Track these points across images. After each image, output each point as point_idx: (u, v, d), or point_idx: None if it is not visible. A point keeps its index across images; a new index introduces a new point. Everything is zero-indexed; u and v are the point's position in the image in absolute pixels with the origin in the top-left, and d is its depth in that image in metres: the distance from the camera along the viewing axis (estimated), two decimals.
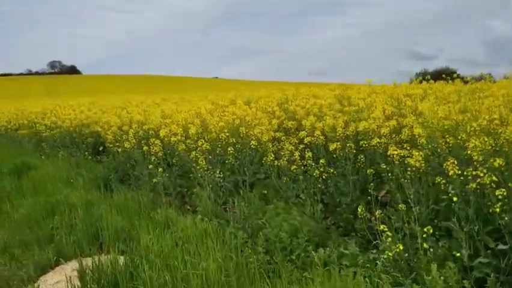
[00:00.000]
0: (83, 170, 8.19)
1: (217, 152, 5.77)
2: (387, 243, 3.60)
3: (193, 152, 5.82)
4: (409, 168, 4.13)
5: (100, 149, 10.63)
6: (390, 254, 3.50)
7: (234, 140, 5.81)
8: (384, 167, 4.57)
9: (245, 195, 5.78)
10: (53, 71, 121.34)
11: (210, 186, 5.71)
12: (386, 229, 3.68)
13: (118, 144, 8.97)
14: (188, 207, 6.63)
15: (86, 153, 9.95)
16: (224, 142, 5.86)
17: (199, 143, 5.75)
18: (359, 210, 4.00)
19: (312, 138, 5.70)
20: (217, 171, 5.68)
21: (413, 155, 4.09)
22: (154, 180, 6.64)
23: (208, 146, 5.79)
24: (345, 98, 7.07)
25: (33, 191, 7.06)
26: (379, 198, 5.34)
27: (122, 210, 5.65)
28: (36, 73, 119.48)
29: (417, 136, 4.48)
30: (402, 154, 4.32)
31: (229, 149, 5.67)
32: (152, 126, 8.08)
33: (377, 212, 4.09)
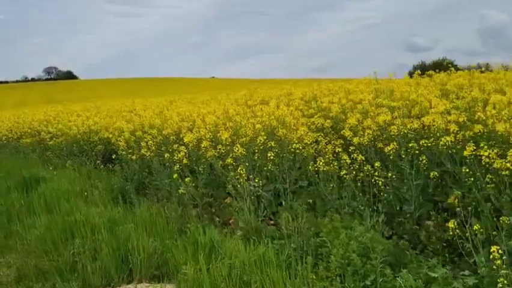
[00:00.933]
0: (97, 182, 7.48)
1: (255, 157, 5.06)
2: (495, 267, 2.90)
3: (229, 159, 5.12)
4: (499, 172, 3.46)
5: (112, 157, 9.96)
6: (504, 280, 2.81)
7: (272, 143, 5.11)
8: (466, 170, 3.87)
9: (287, 205, 5.09)
10: (49, 77, 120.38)
11: (250, 197, 5.01)
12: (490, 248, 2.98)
13: (131, 151, 8.30)
14: (217, 218, 5.95)
15: (98, 161, 9.24)
16: (261, 146, 5.16)
17: (236, 149, 5.04)
18: (450, 224, 3.29)
19: (361, 139, 5.01)
20: (256, 180, 4.98)
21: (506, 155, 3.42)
22: (180, 190, 5.94)
23: (244, 152, 5.09)
24: (385, 92, 6.37)
25: (46, 207, 6.34)
26: (444, 205, 4.68)
27: (151, 229, 4.96)
28: (33, 80, 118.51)
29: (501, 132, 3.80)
30: (487, 154, 3.64)
31: (268, 154, 4.97)
32: (170, 130, 7.37)
33: (451, 222, 3.40)
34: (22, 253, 5.26)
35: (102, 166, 8.95)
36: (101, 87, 79.47)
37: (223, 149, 5.58)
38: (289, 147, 5.09)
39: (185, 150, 6.05)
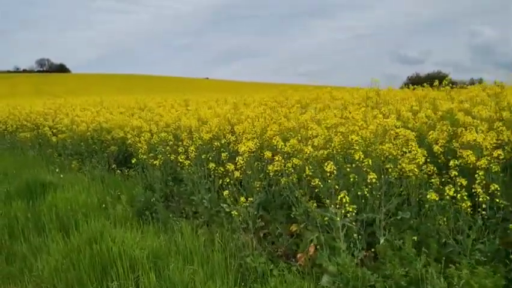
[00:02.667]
0: (117, 192, 6.13)
1: (351, 177, 3.77)
2: None
3: (316, 180, 3.84)
4: None
5: (131, 160, 8.60)
6: None
7: (369, 161, 3.85)
8: None
9: (387, 244, 3.84)
10: (41, 69, 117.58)
11: (341, 230, 3.74)
12: None
13: (152, 155, 7.00)
14: (278, 252, 4.67)
15: (114, 165, 7.89)
16: (353, 164, 3.90)
17: (328, 167, 3.76)
18: None
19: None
20: (349, 207, 3.69)
21: None
22: (233, 213, 4.65)
23: (334, 169, 3.81)
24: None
25: (59, 225, 5.00)
26: None
27: (210, 268, 3.66)
28: (25, 71, 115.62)
29: None
30: None
31: (370, 176, 3.71)
32: (208, 135, 6.06)
33: None
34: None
35: (119, 171, 7.58)
36: (94, 82, 77.51)
37: (295, 162, 4.29)
38: (395, 167, 3.83)
39: (242, 161, 4.76)
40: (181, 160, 5.63)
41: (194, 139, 5.86)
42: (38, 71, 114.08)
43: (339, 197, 3.51)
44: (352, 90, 8.78)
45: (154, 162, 6.91)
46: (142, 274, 3.46)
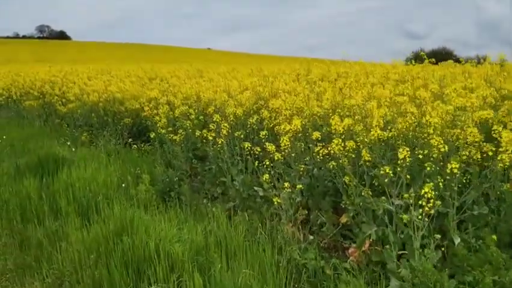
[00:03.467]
0: (137, 170, 5.57)
1: (430, 166, 3.18)
2: None
3: (387, 168, 3.26)
4: None
5: (147, 134, 8.01)
6: None
7: (446, 147, 3.26)
8: None
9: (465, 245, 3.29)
10: (41, 35, 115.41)
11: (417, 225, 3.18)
12: None
13: (171, 129, 6.44)
14: (322, 244, 4.15)
15: (129, 139, 7.31)
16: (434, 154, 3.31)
17: (402, 153, 3.17)
18: None
19: None
20: (434, 203, 3.11)
21: None
22: (275, 200, 4.10)
23: (408, 155, 3.22)
24: None
25: (77, 208, 4.45)
26: None
27: (260, 267, 3.13)
28: (24, 37, 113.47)
29: None
30: None
31: (450, 166, 3.12)
32: (240, 110, 5.44)
33: None
34: (52, 282, 3.43)
35: (135, 146, 7.00)
36: (95, 50, 76.01)
37: (350, 145, 3.71)
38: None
39: (287, 142, 4.17)
40: (210, 137, 5.04)
41: (227, 114, 5.22)
42: (38, 38, 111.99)
43: (423, 191, 2.91)
44: (385, 65, 8.14)
45: (175, 138, 6.34)
46: (184, 275, 2.91)
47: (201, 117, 6.71)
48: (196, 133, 5.70)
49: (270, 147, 4.29)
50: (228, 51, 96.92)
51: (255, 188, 4.85)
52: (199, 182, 6.14)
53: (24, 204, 4.73)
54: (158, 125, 6.67)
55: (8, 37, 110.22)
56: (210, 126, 5.15)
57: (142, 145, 7.21)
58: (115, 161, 5.97)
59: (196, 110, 6.82)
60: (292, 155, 4.34)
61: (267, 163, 4.30)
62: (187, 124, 6.30)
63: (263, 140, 4.56)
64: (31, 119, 10.12)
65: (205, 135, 5.59)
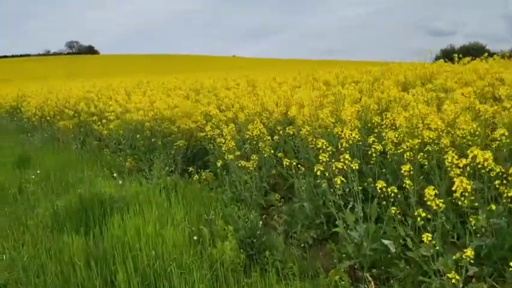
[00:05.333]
0: (210, 214, 4.15)
1: None
2: None
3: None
4: None
5: (198, 158, 6.64)
6: None
7: None
8: None
9: None
10: (71, 51, 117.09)
11: None
12: None
13: (238, 153, 5.11)
14: None
15: (187, 166, 5.97)
16: None
17: None
18: None
19: None
20: None
21: None
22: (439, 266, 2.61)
23: None
24: None
25: (143, 283, 3.06)
26: None
27: None
28: (55, 54, 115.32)
29: None
30: None
31: None
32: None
33: None
34: None
35: (194, 174, 5.63)
36: (123, 63, 76.19)
37: None
38: None
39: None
40: (318, 170, 3.55)
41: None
42: (68, 53, 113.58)
43: None
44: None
45: (247, 165, 4.95)
46: None
47: (276, 137, 5.31)
48: (284, 161, 4.24)
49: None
50: (253, 58, 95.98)
51: (385, 241, 3.38)
52: (283, 222, 4.70)
53: (67, 273, 3.38)
54: (223, 148, 5.30)
55: (39, 54, 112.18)
56: (320, 156, 3.65)
57: (202, 173, 5.82)
58: (177, 200, 4.57)
59: (268, 129, 5.43)
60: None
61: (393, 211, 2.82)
62: (265, 148, 4.90)
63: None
64: (66, 142, 8.90)
65: (286, 163, 4.19)
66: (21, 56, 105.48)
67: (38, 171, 6.23)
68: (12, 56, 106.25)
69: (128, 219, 3.96)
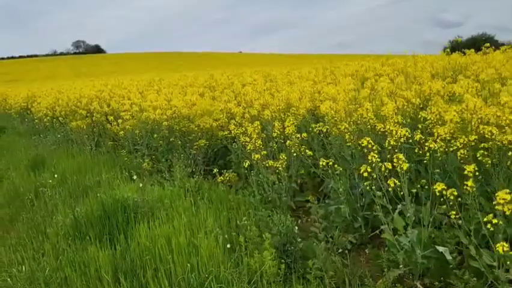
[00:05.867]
0: (242, 218, 3.85)
1: None
2: None
3: None
4: None
5: (220, 158, 6.35)
6: None
7: None
8: None
9: None
10: (77, 50, 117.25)
11: None
12: None
13: (265, 152, 4.83)
14: None
15: (210, 167, 5.69)
16: None
17: None
18: None
19: None
20: None
21: None
22: None
23: None
24: None
25: None
26: None
27: None
28: (62, 53, 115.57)
29: None
30: None
31: None
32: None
33: None
34: None
35: (217, 175, 5.35)
36: (130, 61, 76.10)
37: None
38: None
39: None
40: (364, 172, 3.22)
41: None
42: (75, 53, 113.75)
43: None
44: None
45: (276, 165, 4.66)
46: None
47: (304, 134, 4.99)
48: (321, 161, 3.92)
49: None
50: (259, 53, 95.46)
51: (440, 248, 3.06)
52: (316, 226, 4.39)
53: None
54: (248, 147, 5.00)
55: (47, 55, 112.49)
56: (369, 157, 3.32)
57: (225, 174, 5.53)
58: (205, 204, 4.28)
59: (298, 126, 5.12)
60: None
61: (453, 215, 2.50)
62: (295, 146, 4.60)
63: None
64: (80, 143, 8.64)
65: (323, 163, 3.88)
66: (28, 56, 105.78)
67: (56, 175, 5.96)
68: (20, 57, 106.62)
69: (155, 226, 3.67)
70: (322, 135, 4.73)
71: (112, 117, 7.92)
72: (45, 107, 12.15)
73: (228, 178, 5.49)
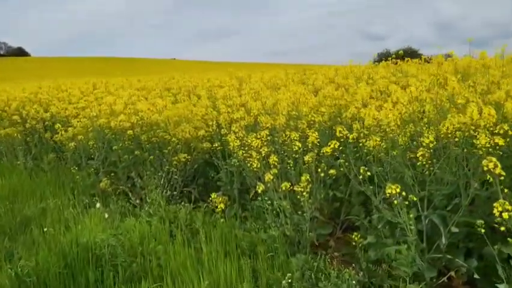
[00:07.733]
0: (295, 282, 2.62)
1: None
2: None
3: None
4: None
5: (200, 176, 5.03)
6: None
7: None
8: None
9: None
10: None
11: None
12: None
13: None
14: None
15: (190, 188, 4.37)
16: None
17: None
18: None
19: None
20: None
21: None
22: None
23: None
24: None
25: None
26: None
27: None
28: None
29: None
30: None
31: None
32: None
33: None
34: None
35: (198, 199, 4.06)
36: (59, 66, 71.12)
37: None
38: None
39: None
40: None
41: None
42: None
43: None
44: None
45: (299, 189, 3.52)
46: None
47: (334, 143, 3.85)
48: (388, 189, 2.78)
49: None
50: (194, 60, 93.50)
51: None
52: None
53: None
54: (253, 166, 3.79)
55: None
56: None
57: (216, 198, 4.22)
58: (213, 249, 2.99)
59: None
60: None
61: None
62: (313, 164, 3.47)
63: None
64: (12, 156, 6.87)
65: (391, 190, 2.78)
66: None
67: None
68: None
69: None
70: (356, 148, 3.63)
71: (51, 123, 6.29)
72: None
73: (219, 203, 4.20)
